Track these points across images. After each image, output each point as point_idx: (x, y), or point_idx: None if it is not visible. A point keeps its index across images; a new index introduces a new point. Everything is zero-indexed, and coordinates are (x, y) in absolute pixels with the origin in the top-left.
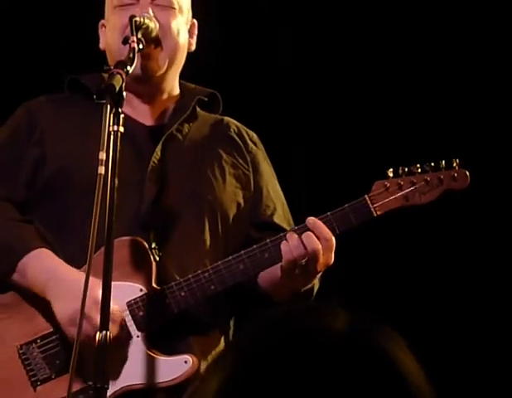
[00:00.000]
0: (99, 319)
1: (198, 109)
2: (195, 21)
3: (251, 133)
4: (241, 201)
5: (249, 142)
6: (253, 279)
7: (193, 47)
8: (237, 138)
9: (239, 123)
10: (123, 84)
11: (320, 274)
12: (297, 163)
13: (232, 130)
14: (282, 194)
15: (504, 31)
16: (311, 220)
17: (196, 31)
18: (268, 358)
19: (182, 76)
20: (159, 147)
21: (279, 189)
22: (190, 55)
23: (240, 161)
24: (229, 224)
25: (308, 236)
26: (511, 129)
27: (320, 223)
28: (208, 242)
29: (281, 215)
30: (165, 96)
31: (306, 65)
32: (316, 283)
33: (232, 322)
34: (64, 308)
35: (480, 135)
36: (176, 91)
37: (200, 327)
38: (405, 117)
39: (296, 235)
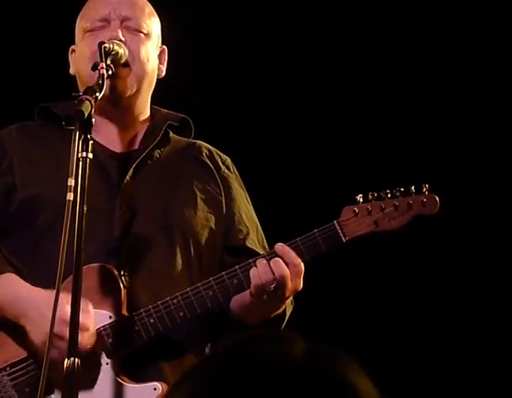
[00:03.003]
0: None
1: (171, 133)
2: (164, 47)
3: (224, 157)
4: (213, 225)
5: (222, 165)
6: (225, 304)
7: (163, 73)
8: (209, 162)
9: (211, 147)
10: (92, 111)
11: (291, 300)
12: (269, 187)
13: (204, 154)
14: (256, 219)
15: (465, 60)
16: (279, 246)
17: (166, 57)
18: (227, 385)
19: (156, 102)
20: (129, 173)
21: (253, 214)
22: (161, 80)
23: (212, 185)
24: (202, 249)
25: (276, 262)
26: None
27: (288, 249)
28: (180, 268)
29: (254, 239)
30: (136, 122)
31: (276, 87)
32: (289, 308)
33: (207, 348)
34: (38, 333)
35: (454, 159)
36: (147, 117)
37: (172, 353)
38: (377, 141)
39: (265, 261)
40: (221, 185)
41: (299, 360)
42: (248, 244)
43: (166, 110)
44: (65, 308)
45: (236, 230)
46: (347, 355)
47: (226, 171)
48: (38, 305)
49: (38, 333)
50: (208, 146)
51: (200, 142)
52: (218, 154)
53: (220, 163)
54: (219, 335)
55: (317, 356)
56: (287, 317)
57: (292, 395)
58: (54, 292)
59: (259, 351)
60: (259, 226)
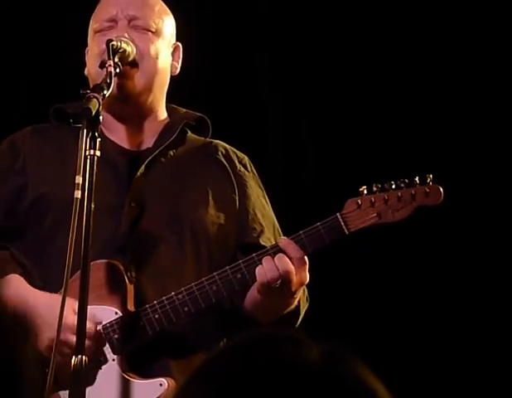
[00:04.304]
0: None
1: (189, 132)
2: (179, 44)
3: (241, 155)
4: (225, 223)
5: (238, 164)
6: (239, 301)
7: (177, 70)
8: (223, 160)
9: (228, 146)
10: (100, 108)
11: (306, 296)
12: (274, 180)
13: (220, 153)
14: (273, 217)
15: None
16: (283, 240)
17: (181, 55)
18: (237, 385)
19: (174, 101)
20: (140, 171)
21: (271, 213)
22: (180, 79)
23: (225, 183)
24: (213, 247)
25: (280, 258)
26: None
27: (292, 243)
28: (190, 265)
29: (269, 237)
30: (149, 120)
31: (280, 82)
32: (303, 305)
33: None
34: (41, 342)
35: (460, 150)
36: (163, 116)
37: (180, 349)
38: (382, 134)
39: (270, 257)
40: (235, 183)
41: (315, 362)
42: (262, 241)
43: (184, 109)
44: (71, 316)
45: (250, 228)
46: (350, 351)
47: (242, 169)
48: (40, 309)
49: (42, 344)
50: (225, 145)
51: (218, 141)
52: (235, 153)
53: (237, 162)
54: (234, 332)
55: (333, 358)
56: (301, 314)
57: (307, 396)
58: (57, 296)
59: (273, 352)
60: (277, 225)
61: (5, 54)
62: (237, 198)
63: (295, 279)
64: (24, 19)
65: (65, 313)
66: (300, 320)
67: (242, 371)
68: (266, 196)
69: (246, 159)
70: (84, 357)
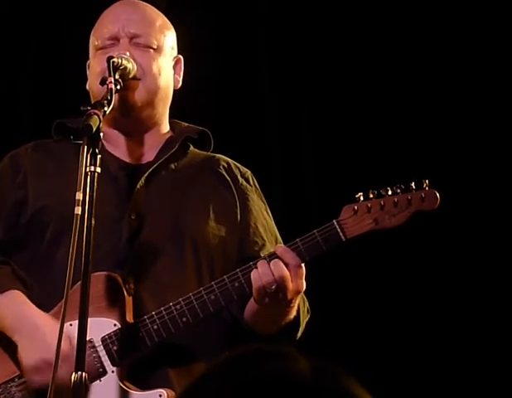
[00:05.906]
0: (62, 368)
1: (191, 147)
2: (180, 57)
3: (244, 169)
4: (226, 236)
5: (240, 178)
6: (238, 313)
7: (179, 84)
8: (225, 174)
9: (231, 160)
10: (100, 125)
11: (307, 307)
12: (272, 186)
13: (221, 166)
14: (275, 231)
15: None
16: (280, 248)
17: (183, 68)
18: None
19: (176, 115)
20: (140, 183)
21: (273, 226)
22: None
23: (227, 196)
24: (214, 259)
25: (276, 263)
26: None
27: (289, 251)
28: (190, 277)
29: (270, 250)
30: (152, 134)
31: (278, 86)
32: (304, 316)
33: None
34: (28, 357)
35: (457, 155)
36: (166, 130)
37: (180, 360)
38: (380, 139)
39: (265, 263)
40: (237, 197)
41: (305, 376)
42: (263, 255)
43: (186, 124)
44: (65, 344)
45: (251, 241)
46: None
47: (244, 183)
48: (33, 332)
49: (27, 362)
50: (227, 159)
51: (220, 155)
52: (237, 167)
53: (239, 176)
54: (235, 344)
55: (322, 372)
56: (301, 325)
57: None
58: (51, 320)
59: (263, 367)
60: (280, 239)
61: (5, 56)
62: (238, 211)
63: (291, 285)
64: (25, 21)
65: (55, 341)
66: (301, 332)
67: (232, 387)
68: (268, 210)
69: (249, 173)
70: (84, 374)
